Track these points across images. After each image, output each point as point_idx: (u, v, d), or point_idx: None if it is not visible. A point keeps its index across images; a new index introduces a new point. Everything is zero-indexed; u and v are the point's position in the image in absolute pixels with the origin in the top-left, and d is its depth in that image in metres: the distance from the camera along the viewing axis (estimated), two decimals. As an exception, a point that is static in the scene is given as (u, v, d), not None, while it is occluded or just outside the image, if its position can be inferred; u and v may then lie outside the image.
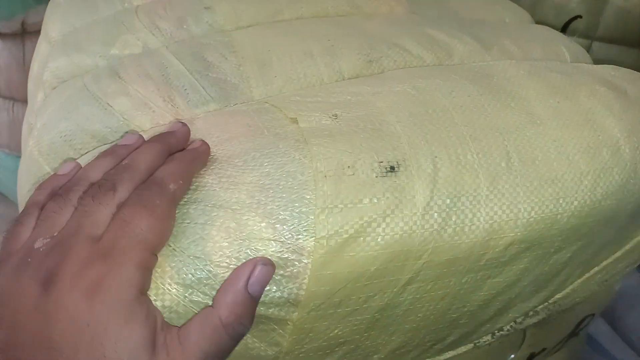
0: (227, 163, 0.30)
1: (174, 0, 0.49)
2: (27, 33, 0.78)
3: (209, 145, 0.31)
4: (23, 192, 0.40)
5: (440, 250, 0.29)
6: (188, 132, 0.32)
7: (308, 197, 0.28)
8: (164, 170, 0.28)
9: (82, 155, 0.36)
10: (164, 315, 0.26)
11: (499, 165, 0.31)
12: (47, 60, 0.46)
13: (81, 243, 0.23)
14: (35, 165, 0.38)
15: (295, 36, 0.42)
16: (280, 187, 0.28)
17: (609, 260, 0.39)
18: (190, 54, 0.41)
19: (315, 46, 0.41)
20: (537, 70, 0.39)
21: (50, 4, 0.62)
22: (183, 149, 0.31)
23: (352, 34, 0.42)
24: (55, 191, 0.28)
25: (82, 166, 0.30)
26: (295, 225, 0.27)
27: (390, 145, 0.30)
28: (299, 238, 0.27)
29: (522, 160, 0.32)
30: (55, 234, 0.25)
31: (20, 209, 0.40)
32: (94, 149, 0.36)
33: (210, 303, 0.27)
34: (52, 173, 0.37)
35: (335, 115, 0.33)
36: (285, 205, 0.27)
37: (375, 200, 0.28)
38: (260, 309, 0.27)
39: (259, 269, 0.26)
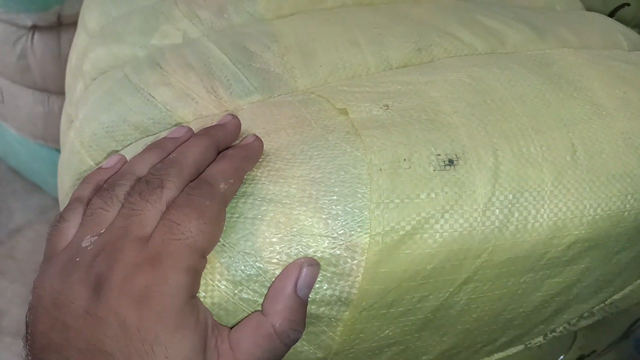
0: (275, 156, 0.29)
1: (214, -11, 0.48)
2: (63, 25, 0.79)
3: (262, 141, 0.29)
4: (65, 186, 0.39)
5: (501, 249, 0.28)
6: (239, 125, 0.31)
7: (362, 191, 0.26)
8: (214, 168, 0.26)
9: (125, 147, 0.36)
10: (213, 312, 0.25)
11: (564, 159, 0.29)
12: (86, 51, 0.46)
13: (130, 245, 0.23)
14: (77, 158, 0.37)
15: (339, 25, 0.41)
16: (332, 180, 0.27)
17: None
18: (232, 43, 0.40)
19: (361, 35, 0.39)
20: (598, 58, 0.37)
21: (88, -5, 0.62)
22: (233, 143, 0.30)
23: (399, 22, 0.41)
24: (100, 185, 0.27)
25: (128, 159, 0.29)
26: (348, 221, 0.26)
27: (447, 137, 0.28)
28: (352, 234, 0.26)
29: (589, 153, 0.30)
30: (102, 231, 0.24)
31: (62, 203, 0.40)
32: (136, 140, 0.36)
33: (260, 301, 0.26)
34: (94, 166, 0.37)
35: (387, 105, 0.31)
36: (337, 199, 0.26)
37: (434, 195, 0.26)
38: (311, 307, 0.26)
39: (305, 270, 0.25)
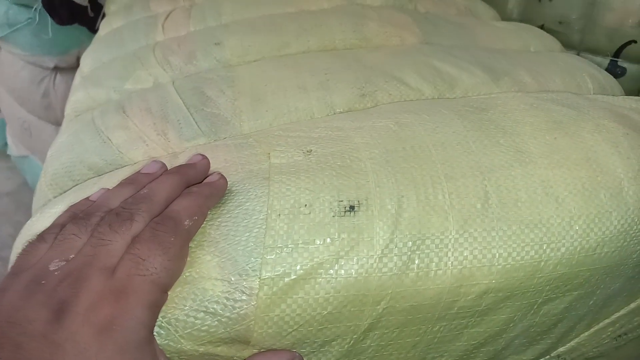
0: (193, 198, 0.30)
1: (189, 36, 0.51)
2: (82, 66, 0.85)
3: (226, 179, 0.30)
4: (33, 216, 0.42)
5: (402, 296, 0.28)
6: (208, 165, 0.32)
7: (259, 235, 0.27)
8: (179, 205, 0.27)
9: (77, 184, 0.38)
10: None
11: (474, 207, 0.29)
12: (70, 95, 0.50)
13: (96, 275, 0.23)
14: (42, 194, 0.40)
15: (293, 70, 0.42)
16: (236, 225, 0.28)
17: (622, 312, 0.35)
18: (192, 88, 0.42)
19: (310, 80, 0.40)
20: (541, 103, 0.37)
21: (93, 41, 0.67)
22: (201, 181, 0.31)
23: (350, 67, 0.42)
24: (77, 215, 0.28)
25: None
26: (243, 264, 0.26)
27: (355, 184, 0.29)
28: (245, 278, 0.26)
29: (503, 202, 0.29)
30: (70, 257, 0.24)
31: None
32: (89, 179, 0.38)
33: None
34: (53, 199, 0.39)
35: (310, 150, 0.32)
36: (236, 243, 0.27)
37: (329, 241, 0.27)
38: (208, 347, 0.27)
39: None
